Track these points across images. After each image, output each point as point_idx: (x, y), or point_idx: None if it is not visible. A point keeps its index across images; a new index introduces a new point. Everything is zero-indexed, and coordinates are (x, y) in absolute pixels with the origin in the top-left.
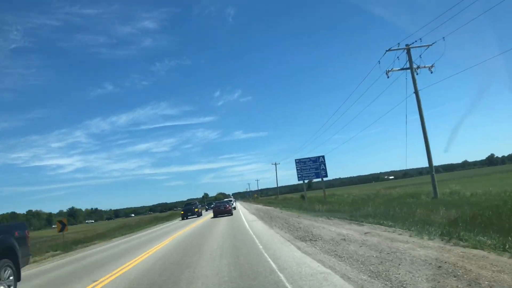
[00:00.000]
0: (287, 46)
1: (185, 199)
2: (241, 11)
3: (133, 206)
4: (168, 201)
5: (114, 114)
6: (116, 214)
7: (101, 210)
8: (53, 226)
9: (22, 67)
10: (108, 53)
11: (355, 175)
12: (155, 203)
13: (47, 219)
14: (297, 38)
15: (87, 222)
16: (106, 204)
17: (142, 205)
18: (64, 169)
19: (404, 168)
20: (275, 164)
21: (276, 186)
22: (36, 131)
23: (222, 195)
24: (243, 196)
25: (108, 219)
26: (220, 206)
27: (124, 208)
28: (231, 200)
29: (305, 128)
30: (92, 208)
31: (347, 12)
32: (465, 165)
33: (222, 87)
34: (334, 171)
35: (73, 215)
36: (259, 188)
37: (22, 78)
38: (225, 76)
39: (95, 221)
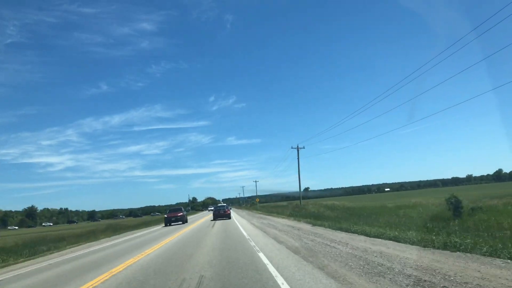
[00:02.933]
0: (284, 55)
1: (174, 203)
2: (239, 18)
3: (122, 208)
4: (157, 204)
5: (107, 114)
6: (91, 216)
7: (71, 211)
8: (9, 227)
9: (17, 62)
10: (104, 52)
11: (344, 186)
12: (143, 205)
13: (2, 219)
14: (295, 47)
15: (44, 225)
16: (94, 205)
17: (130, 207)
18: (53, 167)
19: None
20: (297, 147)
21: (271, 192)
22: (27, 128)
23: (211, 200)
24: (235, 202)
25: (70, 222)
26: (220, 210)
27: (102, 210)
28: (226, 206)
29: (297, 137)
30: (61, 208)
31: (349, 21)
32: (470, 179)
33: (217, 92)
34: (328, 181)
35: (31, 215)
36: (255, 194)
37: (16, 74)
38: (220, 81)
39: (54, 224)
